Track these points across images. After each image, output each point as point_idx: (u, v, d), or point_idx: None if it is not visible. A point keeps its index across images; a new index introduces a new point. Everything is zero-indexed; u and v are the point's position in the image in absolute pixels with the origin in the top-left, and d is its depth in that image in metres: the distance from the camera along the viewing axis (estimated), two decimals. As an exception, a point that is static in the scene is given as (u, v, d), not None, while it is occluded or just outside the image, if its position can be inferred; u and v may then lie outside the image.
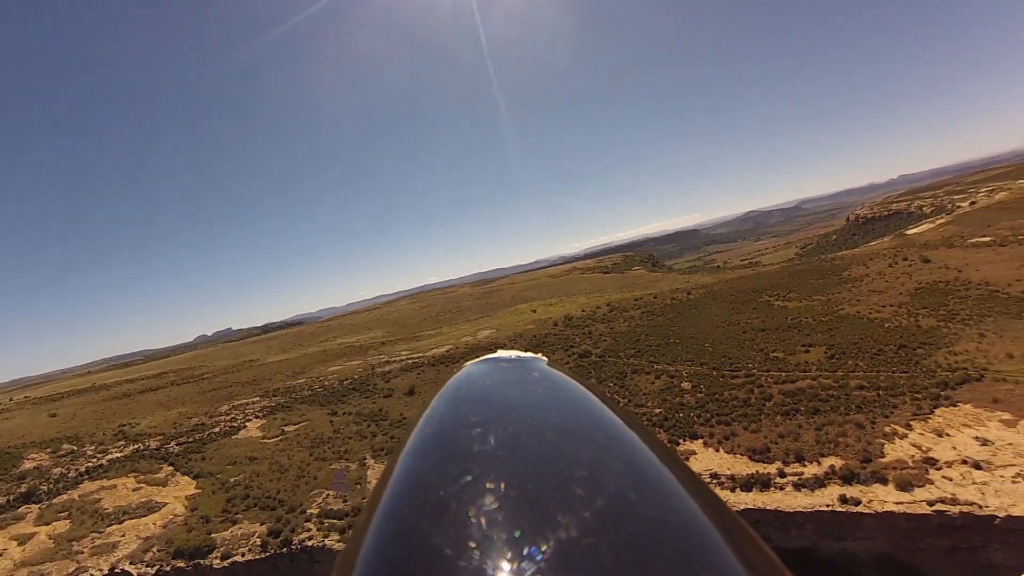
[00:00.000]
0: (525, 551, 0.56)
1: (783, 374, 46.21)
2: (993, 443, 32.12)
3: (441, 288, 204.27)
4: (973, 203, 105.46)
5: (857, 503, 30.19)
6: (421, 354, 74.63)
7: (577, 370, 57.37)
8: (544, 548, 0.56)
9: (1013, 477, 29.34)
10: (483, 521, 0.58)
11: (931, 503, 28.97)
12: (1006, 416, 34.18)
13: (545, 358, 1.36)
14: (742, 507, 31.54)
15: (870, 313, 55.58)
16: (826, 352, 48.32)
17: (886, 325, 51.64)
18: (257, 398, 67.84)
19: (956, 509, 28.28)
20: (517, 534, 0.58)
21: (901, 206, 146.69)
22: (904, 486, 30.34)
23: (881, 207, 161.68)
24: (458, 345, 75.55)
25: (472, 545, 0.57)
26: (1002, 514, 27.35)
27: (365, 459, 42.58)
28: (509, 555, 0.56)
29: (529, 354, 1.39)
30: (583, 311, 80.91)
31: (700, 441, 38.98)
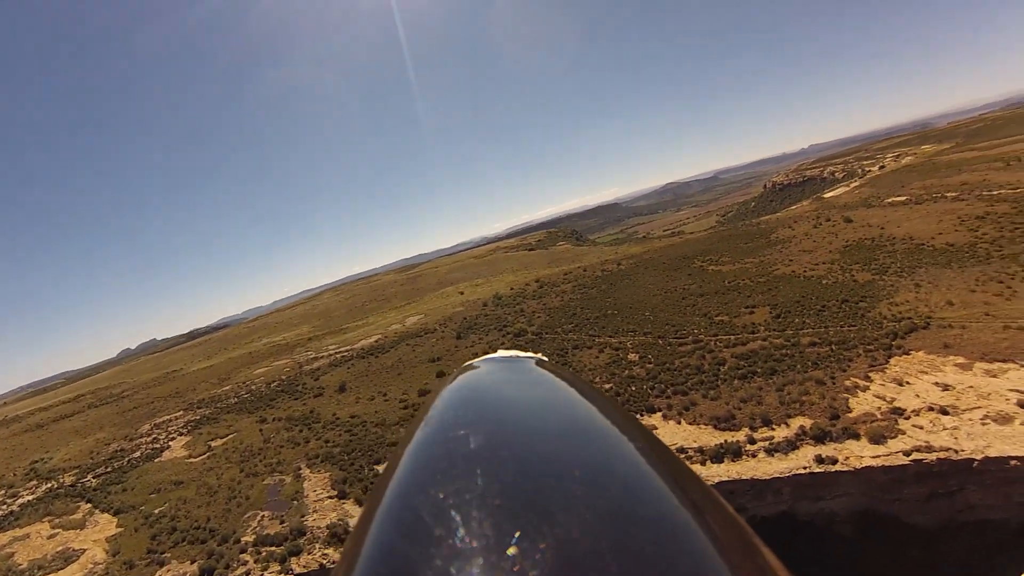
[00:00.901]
0: (523, 554, 0.58)
1: (731, 337, 45.86)
2: (954, 387, 32.60)
3: (366, 278, 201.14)
4: (883, 167, 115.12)
5: (834, 462, 29.26)
6: (349, 347, 72.88)
7: (515, 348, 56.28)
8: (541, 551, 0.58)
9: (981, 419, 29.64)
10: (480, 526, 0.61)
11: (907, 453, 28.58)
12: (960, 360, 35.04)
13: (545, 358, 1.41)
14: (716, 480, 29.66)
15: (805, 272, 57.48)
16: (771, 312, 48.90)
17: (823, 282, 53.31)
18: (181, 412, 65.11)
19: (933, 456, 28.06)
20: (516, 537, 0.60)
21: (815, 172, 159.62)
22: (877, 439, 29.82)
23: (796, 174, 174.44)
24: (387, 334, 73.67)
25: (471, 548, 0.59)
26: (979, 456, 27.39)
27: (300, 469, 39.62)
28: (507, 559, 0.58)
29: (527, 354, 1.44)
30: (512, 289, 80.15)
31: (659, 414, 37.05)
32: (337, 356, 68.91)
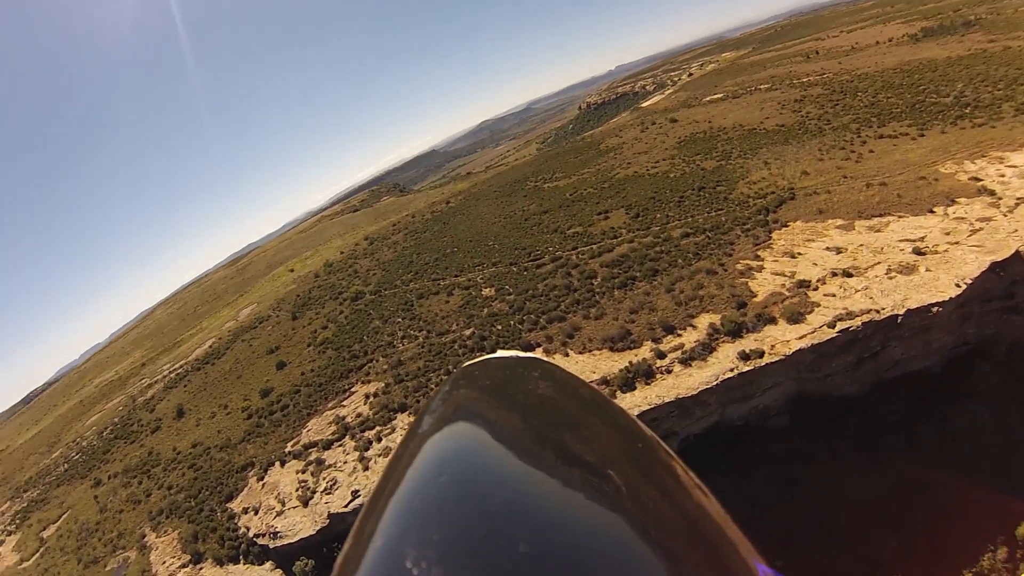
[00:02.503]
0: (521, 558, 0.62)
1: (594, 247, 42.65)
2: (846, 249, 31.90)
3: (197, 282, 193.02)
4: (691, 75, 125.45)
5: (761, 355, 26.10)
6: (184, 360, 70.16)
7: (355, 315, 48.03)
8: (540, 554, 0.63)
9: (886, 274, 28.93)
10: (476, 531, 0.67)
11: (831, 325, 26.54)
12: (840, 222, 34.85)
13: (544, 358, 1.47)
14: (637, 412, 24.39)
15: (647, 171, 57.36)
16: (627, 213, 46.97)
17: (670, 176, 53.29)
18: (7, 504, 58.12)
19: (858, 322, 26.48)
20: (518, 549, 0.64)
21: (626, 88, 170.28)
22: (795, 318, 27.39)
23: (608, 92, 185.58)
24: (221, 335, 70.80)
25: (471, 551, 0.65)
26: (900, 311, 26.40)
27: (144, 537, 35.23)
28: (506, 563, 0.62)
29: (527, 354, 1.49)
30: (342, 253, 78.82)
31: (539, 350, 31.04)
32: (172, 376, 65.77)
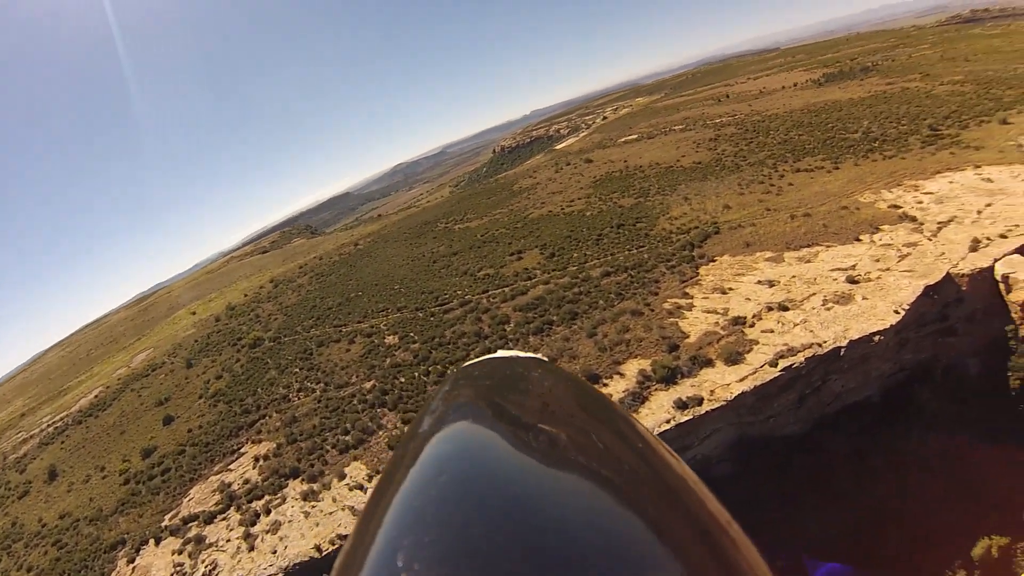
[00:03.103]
0: (521, 558, 0.64)
1: (506, 289, 40.25)
2: (779, 281, 30.54)
3: (98, 322, 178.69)
4: (605, 118, 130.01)
5: (700, 401, 23.38)
6: (67, 412, 64.05)
7: (252, 364, 45.61)
8: (540, 554, 0.65)
9: (823, 304, 27.57)
10: (476, 531, 0.68)
11: (773, 364, 24.47)
12: (769, 254, 33.80)
13: (544, 358, 1.53)
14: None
15: (562, 210, 56.44)
16: (542, 253, 45.17)
17: (587, 214, 52.20)
18: None
19: (800, 357, 24.63)
20: (519, 549, 0.66)
21: (541, 132, 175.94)
22: (733, 358, 25.18)
23: (523, 136, 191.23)
24: (110, 383, 65.45)
25: (472, 551, 0.66)
26: (843, 342, 24.96)
27: None
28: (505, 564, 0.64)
29: (527, 354, 1.53)
30: (246, 296, 77.48)
31: (444, 409, 27.08)
32: (51, 429, 60.12)
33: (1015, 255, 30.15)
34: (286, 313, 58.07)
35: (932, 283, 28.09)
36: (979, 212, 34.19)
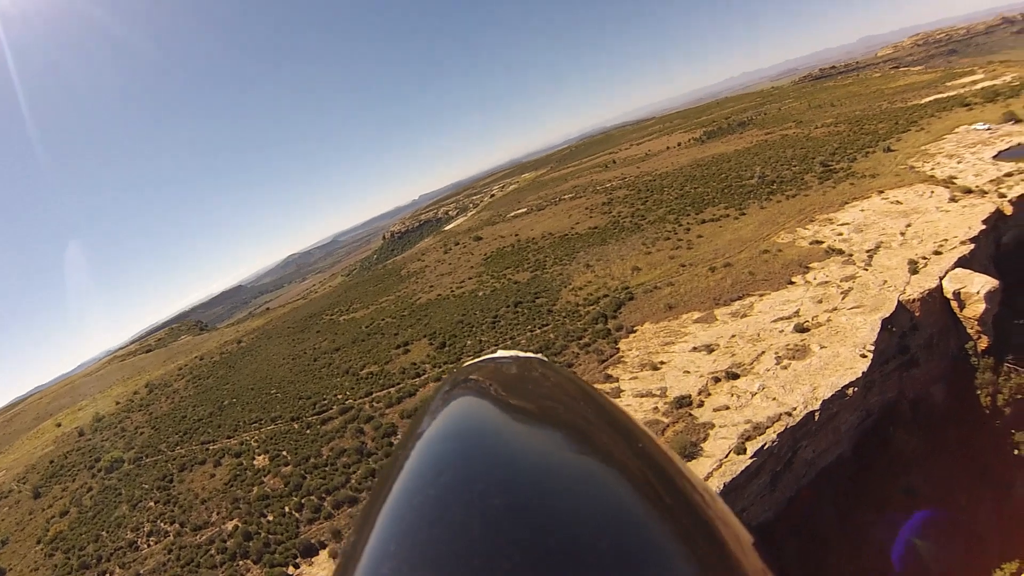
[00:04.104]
0: (522, 557, 0.66)
1: (392, 390, 36.92)
2: (717, 344, 27.05)
3: None
4: (493, 196, 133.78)
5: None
6: None
7: (104, 495, 41.59)
8: (541, 553, 0.67)
9: (778, 363, 24.05)
10: (476, 531, 0.70)
11: (740, 449, 19.75)
12: (696, 314, 30.55)
13: (544, 358, 1.55)
14: None
15: (452, 292, 54.43)
16: (431, 343, 42.07)
17: (479, 295, 49.31)
18: None
19: (771, 434, 20.30)
20: (520, 548, 0.68)
21: (430, 215, 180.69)
22: (688, 452, 20.38)
23: (412, 220, 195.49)
24: None
25: (472, 551, 0.68)
26: (815, 404, 21.21)
27: None
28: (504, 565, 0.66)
29: (527, 354, 1.57)
30: (117, 404, 74.22)
31: (325, 552, 21.07)
32: None
33: (957, 269, 29.28)
34: (154, 426, 55.89)
35: (887, 315, 25.78)
36: (902, 234, 33.54)
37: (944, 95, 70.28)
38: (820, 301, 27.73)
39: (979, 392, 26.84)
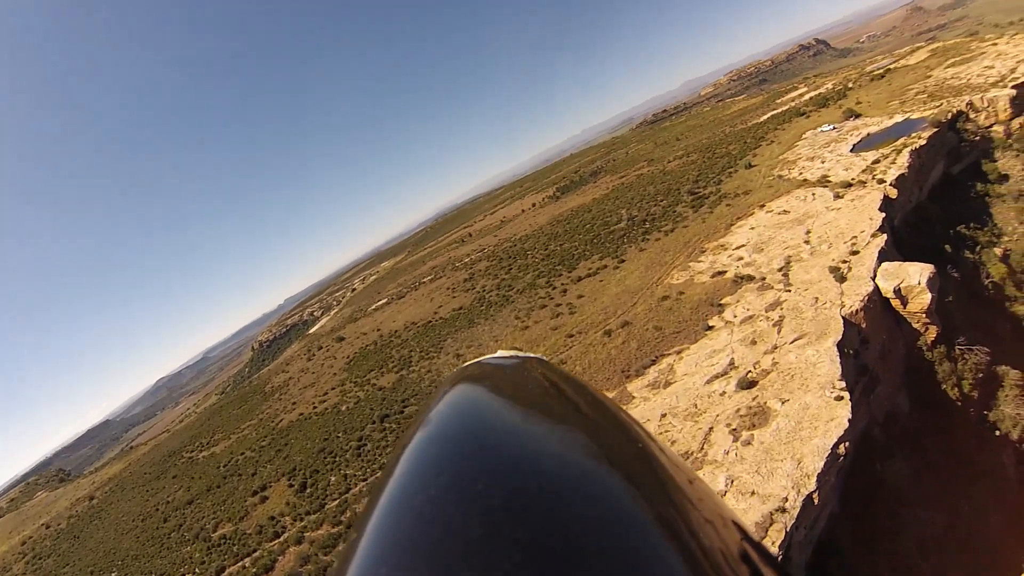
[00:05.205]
0: (522, 557, 0.67)
1: (246, 561, 31.30)
2: (668, 416, 20.49)
3: None
4: (354, 289, 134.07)
5: None
6: None
7: None
8: (541, 553, 0.68)
9: (735, 441, 18.20)
10: (476, 530, 0.71)
11: None
12: (607, 394, 24.09)
13: (544, 358, 1.52)
14: None
15: (314, 410, 51.29)
16: (291, 484, 37.47)
17: (342, 409, 45.97)
18: None
19: (772, 547, 13.52)
20: (519, 548, 0.69)
21: (295, 319, 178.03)
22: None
23: (279, 326, 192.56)
24: None
25: (472, 550, 0.69)
26: (810, 483, 17.34)
27: None
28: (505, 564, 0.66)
29: (526, 354, 1.54)
30: None
31: None
32: None
33: (884, 264, 26.26)
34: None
35: (838, 339, 21.40)
36: (807, 242, 30.59)
37: (779, 110, 73.56)
38: (754, 342, 22.71)
39: (944, 386, 25.24)
